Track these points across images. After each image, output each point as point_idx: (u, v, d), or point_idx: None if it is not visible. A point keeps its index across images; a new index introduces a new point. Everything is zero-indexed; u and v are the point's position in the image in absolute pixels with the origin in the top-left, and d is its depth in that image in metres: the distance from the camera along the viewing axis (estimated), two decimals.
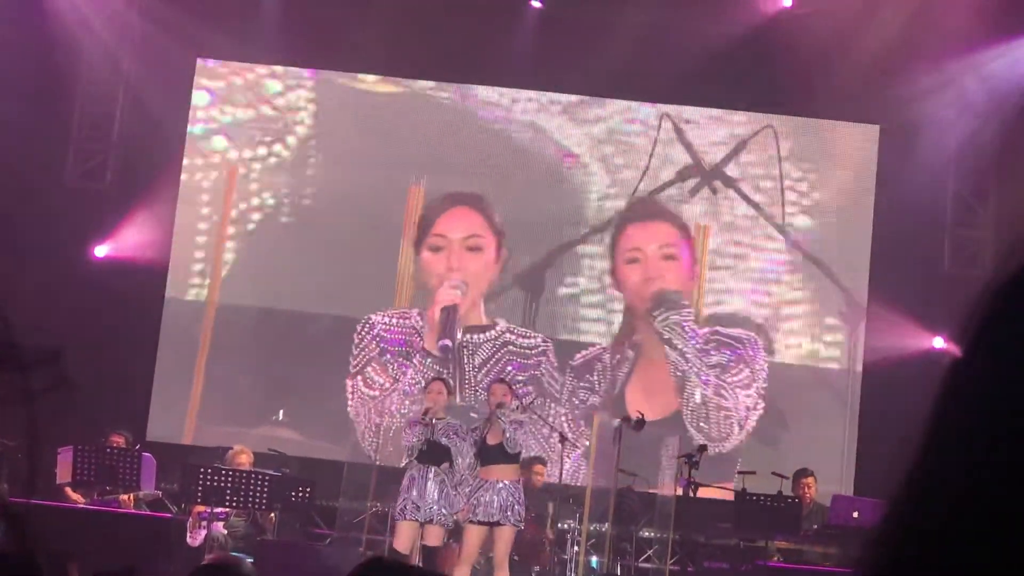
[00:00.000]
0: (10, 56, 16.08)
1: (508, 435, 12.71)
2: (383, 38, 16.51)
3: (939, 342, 15.77)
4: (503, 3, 16.92)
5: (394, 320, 15.92)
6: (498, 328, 16.04)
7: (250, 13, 16.71)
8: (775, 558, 14.13)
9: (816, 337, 15.94)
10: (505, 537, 12.76)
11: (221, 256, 16.69)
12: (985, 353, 1.11)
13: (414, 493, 12.81)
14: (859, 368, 15.76)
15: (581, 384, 15.79)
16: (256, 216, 16.86)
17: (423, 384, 15.45)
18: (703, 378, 15.68)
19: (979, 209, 16.75)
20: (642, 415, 14.58)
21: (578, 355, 16.00)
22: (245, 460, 14.63)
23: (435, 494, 12.83)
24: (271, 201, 16.90)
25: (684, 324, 15.84)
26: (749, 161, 16.35)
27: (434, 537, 12.93)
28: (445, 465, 12.95)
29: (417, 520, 12.81)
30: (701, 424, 15.72)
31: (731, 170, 16.29)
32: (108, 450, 14.30)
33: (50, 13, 16.72)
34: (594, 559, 14.72)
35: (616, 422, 14.34)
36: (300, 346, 16.23)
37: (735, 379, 15.63)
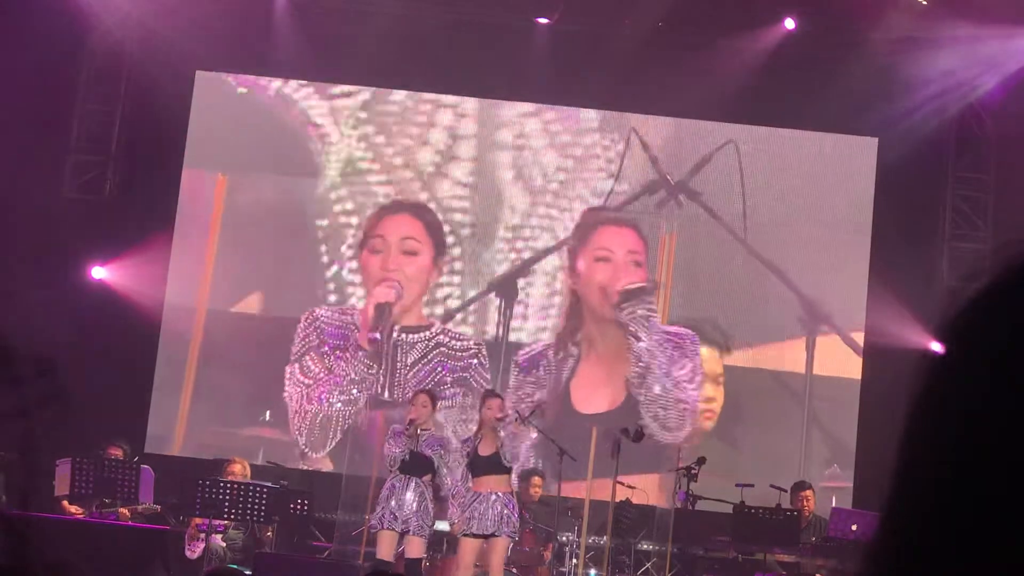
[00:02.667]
0: (7, 65, 16.08)
1: (506, 446, 12.73)
2: (386, 52, 16.57)
3: (937, 347, 15.78)
4: (511, 20, 16.97)
5: (335, 315, 16.40)
6: (433, 329, 16.38)
7: (252, 26, 16.71)
8: (775, 571, 14.13)
9: (775, 342, 16.19)
10: (499, 548, 12.75)
11: (211, 264, 16.92)
12: (965, 353, 1.11)
13: (393, 503, 12.83)
14: (816, 371, 16.05)
15: (527, 379, 16.11)
16: (240, 224, 17.12)
17: (352, 376, 16.07)
18: (663, 370, 16.04)
19: (978, 222, 16.77)
20: (641, 427, 14.60)
21: (522, 352, 16.32)
22: (238, 470, 14.62)
23: (414, 505, 12.83)
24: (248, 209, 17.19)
25: (650, 319, 16.17)
26: (712, 174, 16.67)
27: (415, 549, 12.93)
28: (427, 477, 12.96)
29: (395, 530, 12.81)
30: (659, 412, 16.03)
31: (695, 183, 16.62)
32: (106, 462, 14.28)
33: (49, 22, 16.71)
34: (592, 572, 14.72)
35: (615, 435, 14.34)
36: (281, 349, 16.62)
37: (680, 373, 16.01)
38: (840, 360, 16.30)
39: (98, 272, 16.88)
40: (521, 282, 16.50)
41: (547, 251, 16.70)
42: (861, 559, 1.13)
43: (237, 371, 16.64)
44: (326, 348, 16.27)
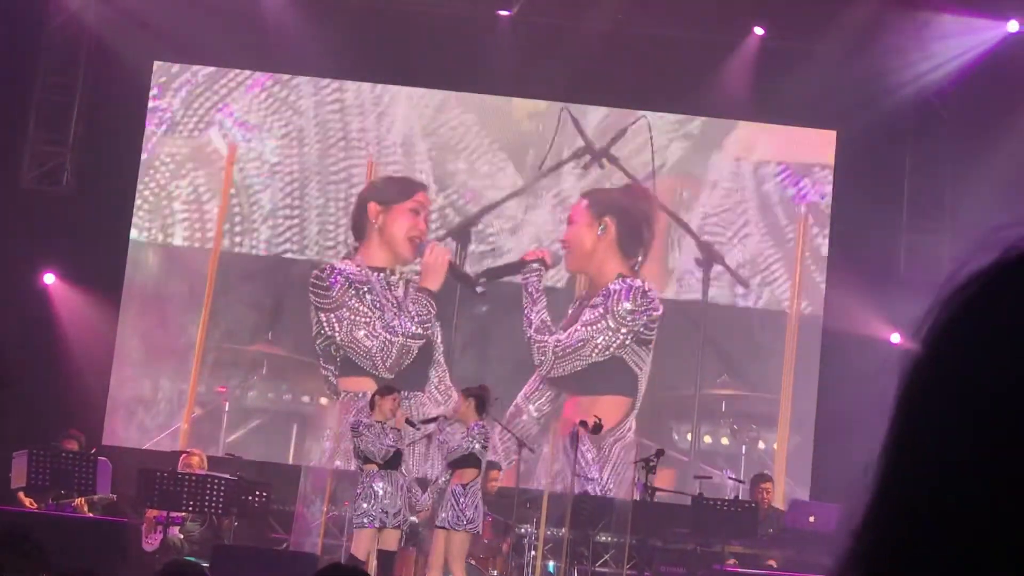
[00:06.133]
0: None
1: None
2: (345, 43, 16.61)
3: (896, 337, 15.90)
4: (473, 13, 17.01)
5: (350, 267, 17.38)
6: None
7: (210, 17, 16.61)
8: (730, 562, 14.19)
9: (680, 278, 17.55)
10: (449, 543, 12.84)
11: (224, 214, 17.44)
12: (955, 349, 1.10)
13: (385, 499, 12.84)
14: (711, 300, 17.41)
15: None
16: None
17: (425, 315, 17.06)
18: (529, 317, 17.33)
19: (935, 213, 16.87)
20: (599, 420, 14.63)
21: None
22: (196, 462, 14.60)
23: (399, 499, 12.99)
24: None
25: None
26: (627, 147, 17.62)
27: (392, 542, 12.98)
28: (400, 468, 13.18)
29: (385, 525, 12.85)
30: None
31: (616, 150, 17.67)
32: (63, 454, 14.20)
33: (6, 8, 16.62)
34: (551, 564, 14.74)
35: (573, 427, 14.37)
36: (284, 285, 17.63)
37: (583, 317, 17.29)
38: (729, 291, 17.44)
39: (49, 279, 16.80)
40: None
41: (488, 207, 17.63)
42: (843, 556, 1.12)
43: (244, 302, 17.35)
44: (366, 294, 17.30)
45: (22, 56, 17.00)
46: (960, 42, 16.47)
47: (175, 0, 16.46)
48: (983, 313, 1.09)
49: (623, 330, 17.09)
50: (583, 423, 14.69)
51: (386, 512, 12.83)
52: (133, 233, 17.29)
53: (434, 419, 14.01)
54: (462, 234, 17.42)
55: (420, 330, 17.07)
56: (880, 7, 15.97)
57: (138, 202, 17.28)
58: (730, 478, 15.84)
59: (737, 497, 14.62)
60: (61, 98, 17.23)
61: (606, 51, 16.66)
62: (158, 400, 17.07)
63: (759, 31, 16.92)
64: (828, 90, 16.41)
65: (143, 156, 17.33)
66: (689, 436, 16.85)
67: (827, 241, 17.15)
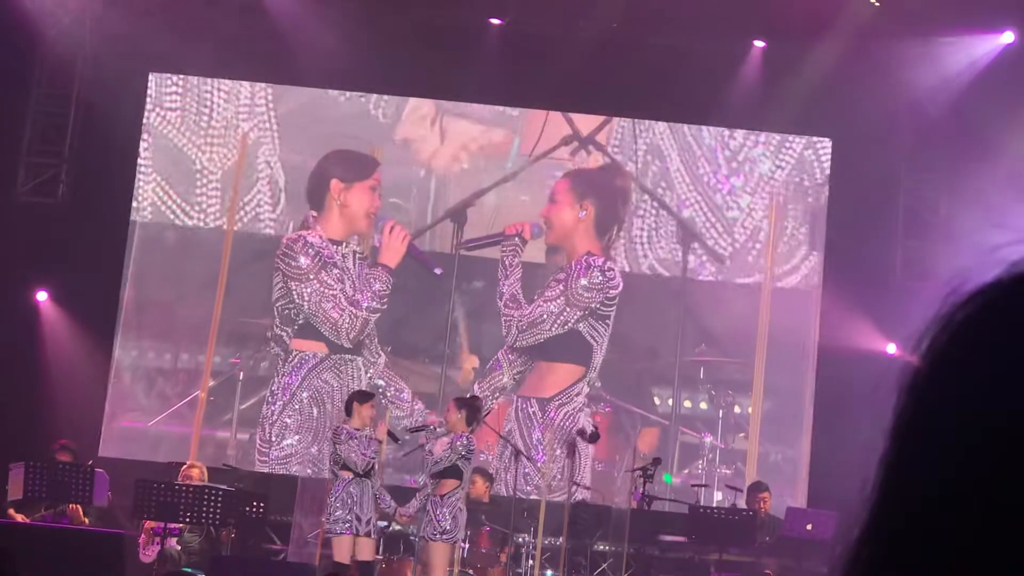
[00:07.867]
0: None
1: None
2: (337, 53, 16.64)
3: (892, 348, 15.91)
4: (463, 21, 17.07)
5: (316, 239, 17.76)
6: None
7: (205, 28, 16.64)
8: (711, 570, 14.20)
9: (655, 252, 17.86)
10: (429, 552, 12.89)
11: (236, 204, 17.76)
12: (956, 367, 1.10)
13: (356, 507, 12.86)
14: (688, 276, 17.73)
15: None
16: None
17: (380, 289, 17.36)
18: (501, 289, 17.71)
19: (930, 221, 16.88)
20: (596, 428, 14.63)
21: None
22: (196, 474, 14.59)
23: (371, 507, 13.02)
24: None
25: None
26: (616, 137, 17.97)
27: (367, 551, 13.01)
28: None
29: (359, 533, 12.86)
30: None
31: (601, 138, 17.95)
32: (60, 466, 14.18)
33: (1, 22, 16.62)
34: (549, 573, 14.73)
35: (571, 436, 14.36)
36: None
37: (546, 293, 17.68)
38: (706, 268, 17.73)
39: (42, 296, 16.81)
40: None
41: (482, 191, 17.94)
42: (840, 567, 1.12)
43: (256, 280, 17.69)
44: (331, 266, 17.72)
45: (17, 67, 17.01)
46: (955, 52, 16.51)
47: (170, 12, 16.46)
48: (984, 332, 1.10)
49: (580, 305, 17.39)
50: (581, 431, 14.68)
51: (359, 519, 12.86)
52: (147, 216, 17.53)
53: (422, 427, 13.99)
54: (458, 216, 17.73)
55: (379, 304, 17.47)
56: (877, 18, 16.00)
57: (147, 190, 17.47)
58: (728, 487, 15.86)
59: (735, 505, 14.61)
60: (56, 109, 17.24)
61: (599, 60, 16.70)
62: (177, 370, 17.75)
63: (759, 43, 16.97)
64: (823, 99, 16.45)
65: (144, 143, 17.52)
66: (670, 401, 17.45)
67: (813, 229, 17.34)
